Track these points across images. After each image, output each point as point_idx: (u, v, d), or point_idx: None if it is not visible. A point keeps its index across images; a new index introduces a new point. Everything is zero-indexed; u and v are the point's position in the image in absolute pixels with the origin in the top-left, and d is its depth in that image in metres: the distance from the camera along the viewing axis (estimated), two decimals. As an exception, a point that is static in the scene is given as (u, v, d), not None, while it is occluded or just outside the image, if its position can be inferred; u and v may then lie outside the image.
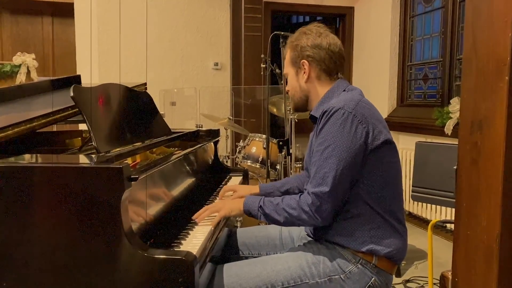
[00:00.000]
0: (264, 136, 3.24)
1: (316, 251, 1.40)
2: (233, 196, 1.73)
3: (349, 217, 1.36)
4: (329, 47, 1.48)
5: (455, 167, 1.16)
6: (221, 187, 1.97)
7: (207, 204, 1.70)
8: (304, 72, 1.50)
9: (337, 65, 1.51)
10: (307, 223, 1.38)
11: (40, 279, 1.13)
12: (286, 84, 1.63)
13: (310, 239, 1.52)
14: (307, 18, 6.05)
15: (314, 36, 1.48)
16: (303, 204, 1.33)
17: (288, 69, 1.56)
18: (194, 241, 1.30)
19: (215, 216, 1.47)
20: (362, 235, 1.35)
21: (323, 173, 1.31)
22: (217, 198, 1.80)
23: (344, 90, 1.48)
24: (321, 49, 1.47)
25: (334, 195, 1.31)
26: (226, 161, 3.58)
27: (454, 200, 1.18)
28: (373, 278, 1.36)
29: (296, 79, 1.53)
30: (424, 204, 3.68)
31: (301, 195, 1.37)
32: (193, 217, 1.47)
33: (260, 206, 1.41)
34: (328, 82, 1.50)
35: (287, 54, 1.55)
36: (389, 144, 1.38)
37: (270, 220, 1.40)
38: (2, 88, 1.88)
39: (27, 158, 1.29)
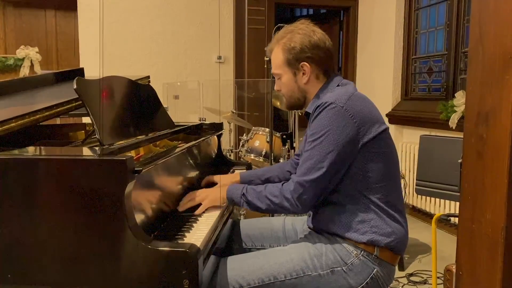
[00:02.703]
0: (267, 129, 3.23)
1: (318, 244, 1.41)
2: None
3: (348, 210, 1.38)
4: (325, 45, 1.48)
5: (459, 161, 1.16)
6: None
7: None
8: (304, 74, 1.48)
9: (333, 62, 1.52)
10: (288, 211, 1.40)
11: (44, 270, 1.13)
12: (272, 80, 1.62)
13: (312, 231, 1.52)
14: (311, 11, 6.03)
15: (309, 35, 1.46)
16: (285, 192, 1.37)
17: (281, 70, 1.51)
18: (198, 234, 1.30)
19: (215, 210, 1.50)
20: (362, 227, 1.36)
21: (309, 164, 1.34)
22: None
23: (338, 85, 1.48)
24: (319, 49, 1.46)
25: (316, 185, 1.34)
26: (230, 155, 3.58)
27: (458, 194, 1.17)
28: (376, 270, 1.36)
29: (294, 80, 1.50)
30: (428, 198, 3.67)
31: (283, 183, 1.41)
32: (178, 207, 1.51)
33: (243, 194, 1.45)
34: (325, 79, 1.51)
35: (279, 55, 1.49)
36: (382, 134, 1.38)
37: (253, 208, 1.44)
38: (6, 81, 1.88)
39: (31, 151, 1.30)
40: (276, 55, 1.51)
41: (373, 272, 1.36)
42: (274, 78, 1.59)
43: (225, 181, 1.77)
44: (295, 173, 1.57)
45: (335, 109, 1.34)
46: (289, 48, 1.46)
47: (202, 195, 1.53)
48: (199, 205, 1.52)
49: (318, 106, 1.38)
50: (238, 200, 1.47)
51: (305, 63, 1.46)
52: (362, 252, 1.36)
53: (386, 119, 3.89)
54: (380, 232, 1.36)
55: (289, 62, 1.48)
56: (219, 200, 1.52)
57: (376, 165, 1.37)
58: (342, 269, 1.35)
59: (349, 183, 1.37)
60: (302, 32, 1.47)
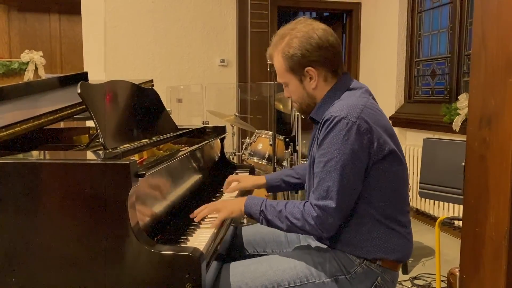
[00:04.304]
0: (270, 132, 3.24)
1: (321, 251, 1.39)
2: (236, 186, 1.73)
3: (353, 228, 1.33)
4: (329, 42, 1.35)
5: (463, 164, 1.15)
6: (228, 184, 1.98)
7: (213, 201, 1.70)
8: (311, 79, 1.38)
9: (340, 58, 1.41)
10: (310, 234, 1.36)
11: (48, 274, 1.14)
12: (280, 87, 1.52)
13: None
14: (314, 14, 6.03)
15: (309, 36, 1.34)
16: (307, 216, 1.28)
17: (286, 78, 1.41)
18: (200, 238, 1.30)
19: (216, 216, 1.42)
20: (366, 245, 1.33)
21: (327, 187, 1.26)
22: (224, 194, 1.80)
23: (347, 90, 1.39)
24: (323, 49, 1.34)
25: (340, 209, 1.26)
26: (233, 158, 3.58)
27: (462, 197, 1.17)
28: (379, 277, 1.34)
29: (302, 87, 1.41)
30: (432, 201, 3.66)
31: (305, 204, 1.31)
32: (191, 215, 1.43)
33: (262, 210, 1.35)
34: (333, 80, 1.41)
35: (280, 63, 1.39)
36: (394, 153, 1.32)
37: (272, 226, 1.36)
38: (10, 85, 1.89)
39: (35, 155, 1.30)
40: (277, 63, 1.41)
41: (377, 280, 1.34)
42: (278, 81, 1.52)
43: (247, 183, 1.73)
44: None
45: (348, 125, 1.25)
46: (289, 56, 1.36)
47: (219, 206, 1.44)
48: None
49: (328, 120, 1.28)
50: (257, 217, 1.37)
51: (310, 68, 1.36)
52: (365, 261, 1.34)
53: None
54: (384, 251, 1.33)
55: (292, 70, 1.38)
56: (236, 212, 1.41)
57: (386, 184, 1.32)
58: (346, 277, 1.33)
59: (357, 202, 1.31)
60: (300, 34, 1.35)
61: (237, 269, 1.38)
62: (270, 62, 1.48)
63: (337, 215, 1.27)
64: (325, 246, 1.41)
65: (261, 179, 1.74)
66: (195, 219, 1.42)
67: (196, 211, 1.44)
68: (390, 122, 1.41)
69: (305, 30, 1.36)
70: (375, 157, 1.29)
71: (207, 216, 1.45)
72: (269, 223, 1.36)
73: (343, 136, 1.25)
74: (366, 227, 1.32)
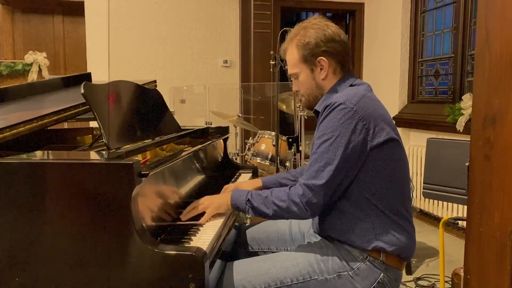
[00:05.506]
0: (273, 133, 3.24)
1: (324, 248, 1.40)
2: None
3: (354, 217, 1.35)
4: (341, 38, 1.44)
5: (467, 164, 1.15)
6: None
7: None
8: (321, 69, 1.44)
9: (349, 55, 1.48)
10: (296, 216, 1.37)
11: (51, 274, 1.14)
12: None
13: (318, 235, 1.52)
14: (317, 15, 6.03)
15: (323, 29, 1.43)
16: (293, 196, 1.33)
17: (298, 68, 1.48)
18: (204, 237, 1.30)
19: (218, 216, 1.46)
20: (367, 233, 1.34)
21: (318, 167, 1.31)
22: None
23: (351, 85, 1.44)
24: (335, 42, 1.43)
25: (326, 189, 1.30)
26: (236, 158, 3.58)
27: (466, 197, 1.17)
28: (382, 274, 1.35)
29: (312, 77, 1.46)
30: (436, 201, 3.65)
31: (291, 187, 1.37)
32: (181, 216, 1.45)
33: (248, 200, 1.40)
34: (340, 74, 1.47)
35: (294, 53, 1.47)
36: (393, 142, 1.35)
37: (258, 214, 1.40)
38: (14, 86, 1.90)
39: (39, 155, 1.31)
40: (291, 54, 1.48)
41: (380, 277, 1.35)
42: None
43: (246, 188, 1.71)
44: None
45: (345, 110, 1.30)
46: (303, 44, 1.43)
47: (206, 203, 1.48)
48: (203, 213, 1.47)
49: (327, 106, 1.34)
50: (243, 207, 1.42)
51: (322, 57, 1.43)
52: (368, 257, 1.35)
53: (392, 122, 3.88)
54: (384, 240, 1.34)
55: (305, 59, 1.45)
56: (223, 207, 1.47)
57: (385, 172, 1.34)
58: (349, 273, 1.34)
59: (356, 190, 1.34)
60: (316, 26, 1.44)
61: (241, 268, 1.39)
62: (283, 58, 1.55)
63: (322, 193, 1.30)
64: (328, 243, 1.42)
65: (257, 182, 1.77)
66: (182, 218, 1.44)
67: (184, 212, 1.46)
68: (393, 122, 1.42)
69: (320, 24, 1.45)
70: (371, 143, 1.32)
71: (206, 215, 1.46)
72: (255, 211, 1.39)
73: (338, 120, 1.31)
74: (367, 216, 1.34)
